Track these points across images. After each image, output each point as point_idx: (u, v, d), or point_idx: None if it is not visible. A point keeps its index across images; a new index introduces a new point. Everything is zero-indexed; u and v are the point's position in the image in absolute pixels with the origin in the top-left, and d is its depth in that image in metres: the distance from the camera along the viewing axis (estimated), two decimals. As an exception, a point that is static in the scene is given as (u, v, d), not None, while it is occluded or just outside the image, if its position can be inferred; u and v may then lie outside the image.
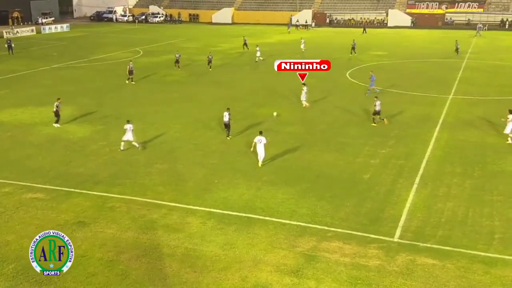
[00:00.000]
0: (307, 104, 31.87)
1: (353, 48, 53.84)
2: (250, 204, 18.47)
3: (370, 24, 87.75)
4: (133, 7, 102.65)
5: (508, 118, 25.13)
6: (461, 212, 17.92)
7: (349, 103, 33.37)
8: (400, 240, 16.02)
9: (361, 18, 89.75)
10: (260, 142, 21.88)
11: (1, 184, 20.19)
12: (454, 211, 17.99)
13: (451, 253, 15.26)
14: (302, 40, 56.17)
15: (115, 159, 23.19)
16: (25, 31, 73.63)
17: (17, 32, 71.52)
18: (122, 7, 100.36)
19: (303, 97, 31.96)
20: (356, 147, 24.70)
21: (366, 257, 15.09)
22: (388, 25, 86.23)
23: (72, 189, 19.71)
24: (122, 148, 24.06)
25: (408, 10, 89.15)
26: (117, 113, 30.86)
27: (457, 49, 53.58)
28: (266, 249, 15.43)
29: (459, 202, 18.73)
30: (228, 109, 26.06)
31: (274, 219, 17.33)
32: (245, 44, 56.84)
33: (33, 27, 76.73)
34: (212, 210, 18.04)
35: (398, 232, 16.49)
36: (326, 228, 16.76)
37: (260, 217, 17.51)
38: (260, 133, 22.35)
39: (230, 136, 25.87)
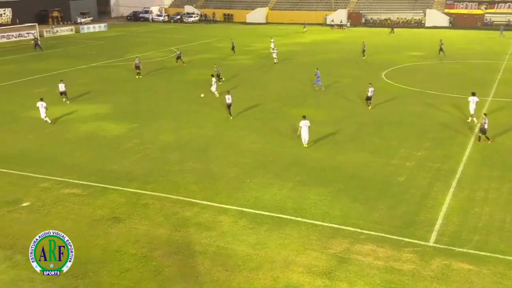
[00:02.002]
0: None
1: (363, 51, 52.41)
2: (282, 204, 18.41)
3: (407, 24, 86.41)
4: (169, 7, 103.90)
5: None
6: (498, 217, 17.43)
7: (384, 104, 32.91)
8: (435, 245, 15.70)
9: (397, 18, 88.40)
10: (305, 126, 23.95)
11: (40, 179, 20.73)
12: (491, 216, 17.51)
13: (487, 258, 14.86)
14: (274, 50, 50.38)
15: (149, 156, 23.50)
16: (64, 30, 75.41)
17: (57, 31, 73.31)
18: (158, 7, 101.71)
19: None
20: (391, 149, 24.32)
21: (400, 261, 14.84)
22: (426, 25, 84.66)
23: (108, 186, 20.07)
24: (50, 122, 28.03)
25: (446, 10, 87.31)
26: (151, 111, 31.29)
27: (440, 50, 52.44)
28: (298, 250, 15.34)
29: (496, 206, 18.22)
30: (228, 91, 29.74)
31: (306, 220, 17.22)
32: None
33: (72, 27, 78.53)
34: (243, 209, 18.06)
35: (433, 236, 16.17)
36: (359, 230, 16.55)
37: (292, 217, 17.43)
38: (304, 117, 24.05)
39: (231, 116, 29.23)
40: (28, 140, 25.92)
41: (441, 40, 54.11)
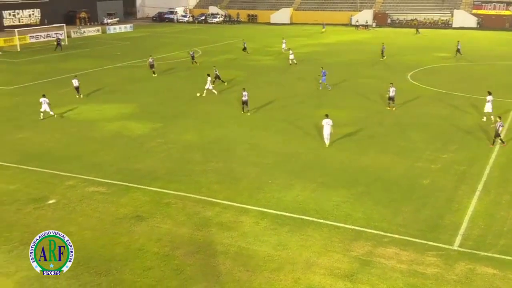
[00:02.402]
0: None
1: (382, 52, 51.62)
2: (304, 206, 18.34)
3: (434, 25, 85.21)
4: (194, 7, 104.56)
5: None
6: (526, 222, 17.06)
7: (409, 106, 32.52)
8: (459, 248, 15.46)
9: (424, 18, 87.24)
10: (327, 124, 24.19)
11: (66, 177, 21.09)
12: (518, 221, 17.15)
13: (514, 263, 14.57)
14: (290, 51, 49.34)
15: (172, 156, 23.69)
16: (91, 31, 76.53)
17: (84, 31, 74.44)
18: (183, 7, 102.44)
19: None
20: (416, 151, 24.01)
21: (424, 264, 14.65)
22: (453, 26, 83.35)
23: (131, 184, 20.30)
24: (42, 118, 29.28)
25: (474, 11, 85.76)
26: (175, 111, 31.55)
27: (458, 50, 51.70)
28: (319, 252, 15.27)
29: (524, 211, 17.83)
30: (244, 89, 30.67)
31: (328, 222, 17.12)
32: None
33: (99, 27, 79.64)
34: (265, 210, 18.05)
35: (458, 240, 15.93)
36: (382, 233, 16.38)
37: (314, 219, 17.35)
38: (326, 116, 24.36)
39: (249, 112, 30.41)
40: (55, 138, 26.39)
41: (458, 41, 53.30)
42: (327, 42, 66.64)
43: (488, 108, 28.40)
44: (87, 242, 15.91)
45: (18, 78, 42.28)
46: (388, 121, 29.17)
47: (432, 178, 20.92)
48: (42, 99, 29.73)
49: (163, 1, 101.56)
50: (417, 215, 17.69)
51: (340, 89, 37.95)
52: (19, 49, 58.58)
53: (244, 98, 30.35)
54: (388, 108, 31.30)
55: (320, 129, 25.23)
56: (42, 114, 29.60)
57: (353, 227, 16.80)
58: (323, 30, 79.08)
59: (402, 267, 14.49)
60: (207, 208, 18.20)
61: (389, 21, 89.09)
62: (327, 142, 24.52)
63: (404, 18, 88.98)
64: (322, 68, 38.17)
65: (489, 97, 28.49)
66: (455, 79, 41.22)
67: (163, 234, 16.42)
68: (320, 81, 37.49)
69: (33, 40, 65.54)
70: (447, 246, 15.58)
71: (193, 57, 48.68)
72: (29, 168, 22.12)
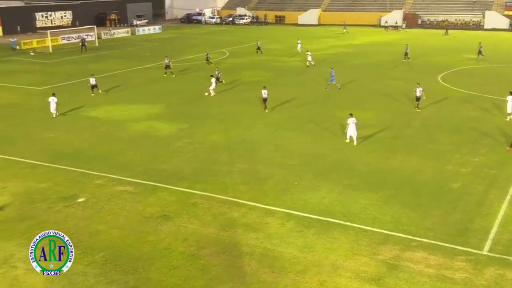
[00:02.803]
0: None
1: (406, 54, 50.69)
2: (331, 208, 18.20)
3: (465, 26, 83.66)
4: (221, 9, 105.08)
5: None
6: (561, 229, 16.56)
7: (439, 108, 31.99)
8: (489, 253, 15.13)
9: (455, 19, 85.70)
10: (352, 123, 24.50)
11: (95, 176, 21.42)
12: (553, 227, 16.66)
13: (547, 271, 14.16)
14: (308, 53, 48.63)
15: (198, 156, 23.82)
16: (121, 32, 77.65)
17: (114, 33, 75.59)
18: (211, 9, 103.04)
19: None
20: (446, 154, 23.59)
21: (452, 269, 14.37)
22: (484, 27, 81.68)
23: (158, 184, 20.48)
24: (54, 116, 30.38)
25: (506, 12, 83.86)
26: (201, 111, 31.73)
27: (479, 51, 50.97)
28: (346, 255, 15.12)
29: (559, 217, 17.32)
30: (264, 87, 31.69)
31: (355, 225, 16.95)
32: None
33: (128, 29, 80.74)
34: (291, 211, 17.98)
35: (487, 245, 15.59)
36: (410, 237, 16.14)
37: (341, 222, 17.20)
38: (351, 115, 24.73)
39: (267, 110, 31.22)
40: (84, 138, 26.84)
41: (480, 42, 52.21)
42: (355, 43, 66.11)
43: (509, 108, 28.53)
44: (115, 241, 16.12)
45: (50, 78, 43.19)
46: (417, 123, 28.74)
47: (462, 181, 20.52)
48: (51, 98, 30.68)
49: (191, 3, 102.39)
50: (446, 219, 17.37)
51: (367, 90, 37.60)
52: (51, 50, 59.83)
53: (264, 96, 31.26)
54: (417, 110, 31.04)
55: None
56: (55, 113, 30.69)
57: (380, 230, 16.58)
58: (345, 30, 78.51)
59: (430, 272, 14.25)
60: (233, 209, 18.23)
61: (419, 22, 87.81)
62: (355, 141, 24.82)
63: (434, 19, 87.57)
64: (332, 68, 38.46)
65: (509, 97, 28.58)
66: (486, 81, 40.37)
67: (189, 234, 16.51)
68: (329, 81, 37.69)
69: (64, 42, 66.85)
70: (476, 251, 15.26)
71: (207, 58, 48.90)
72: (59, 166, 22.54)
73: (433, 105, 32.61)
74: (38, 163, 23.02)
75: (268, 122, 29.36)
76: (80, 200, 19.14)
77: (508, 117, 28.66)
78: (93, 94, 36.38)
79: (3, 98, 36.19)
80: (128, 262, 14.83)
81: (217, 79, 37.71)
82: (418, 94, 30.99)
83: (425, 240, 15.96)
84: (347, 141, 25.15)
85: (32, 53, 57.75)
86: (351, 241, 15.90)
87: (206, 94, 36.06)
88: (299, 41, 58.69)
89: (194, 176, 21.32)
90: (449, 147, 24.55)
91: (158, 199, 19.10)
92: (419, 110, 31.03)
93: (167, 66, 43.97)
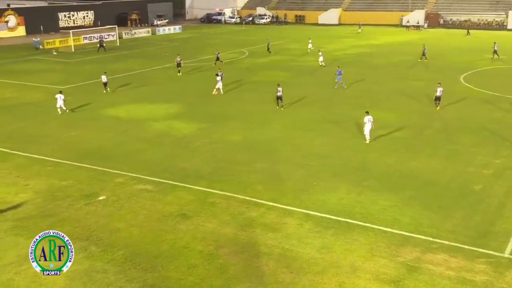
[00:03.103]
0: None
1: (423, 54, 49.99)
2: (350, 209, 18.09)
3: (488, 26, 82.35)
4: (241, 9, 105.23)
5: None
6: None
7: (461, 108, 31.56)
8: (510, 256, 14.95)
9: (478, 19, 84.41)
10: (369, 121, 24.84)
11: (116, 175, 21.64)
12: None
13: None
14: (320, 53, 48.32)
15: (217, 156, 23.89)
16: (142, 32, 78.29)
17: (135, 33, 76.26)
18: (231, 9, 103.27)
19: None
20: (468, 156, 23.26)
21: (473, 271, 14.18)
22: (508, 27, 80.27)
23: (177, 183, 20.61)
24: (60, 113, 31.25)
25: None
26: (220, 111, 31.81)
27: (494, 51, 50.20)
28: (365, 256, 15.01)
29: None
30: (278, 84, 32.18)
31: (374, 226, 16.81)
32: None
33: (149, 29, 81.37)
34: (309, 212, 17.92)
35: (509, 248, 15.36)
36: (431, 239, 15.95)
37: (360, 223, 17.08)
38: (367, 112, 25.08)
39: (283, 107, 31.65)
40: (106, 137, 27.13)
41: (494, 42, 51.55)
42: (376, 43, 65.60)
43: None
44: (134, 239, 16.27)
45: (72, 77, 43.79)
46: (438, 124, 28.39)
47: (484, 183, 20.21)
48: (58, 95, 31.60)
49: (211, 3, 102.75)
50: (468, 221, 17.14)
51: (388, 90, 37.27)
52: (73, 50, 60.65)
53: (279, 94, 31.68)
54: (437, 109, 30.83)
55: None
56: (59, 109, 31.41)
57: (400, 232, 16.43)
58: (360, 30, 77.93)
59: (451, 274, 14.07)
60: (251, 209, 18.25)
61: (441, 21, 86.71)
62: (368, 138, 24.99)
63: (457, 19, 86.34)
64: (338, 67, 38.72)
65: None
66: (509, 82, 39.64)
67: (207, 233, 16.58)
68: (336, 80, 37.83)
69: (86, 41, 67.66)
70: (497, 254, 15.04)
71: (217, 58, 48.89)
72: (81, 165, 22.83)
73: (455, 105, 32.18)
74: (61, 161, 23.35)
75: (287, 122, 29.31)
76: (101, 198, 19.36)
77: None
78: (104, 91, 37.37)
79: (27, 97, 36.81)
80: (147, 260, 14.96)
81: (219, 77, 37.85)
82: (438, 94, 30.75)
83: (445, 242, 15.76)
84: (367, 142, 25.11)
85: (54, 53, 58.62)
86: (370, 243, 15.78)
87: (214, 92, 36.44)
88: (310, 40, 58.69)
89: (213, 176, 21.39)
90: (470, 149, 24.21)
91: (177, 198, 19.22)
92: (438, 109, 30.83)
93: (179, 64, 44.67)
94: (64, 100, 31.53)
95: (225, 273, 14.31)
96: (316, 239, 16.03)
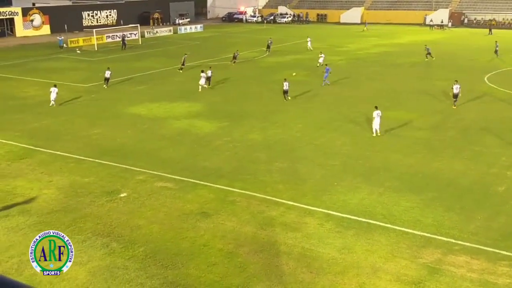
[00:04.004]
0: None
1: (429, 53, 49.71)
2: (371, 210, 17.93)
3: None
4: (263, 7, 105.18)
5: None
6: None
7: (485, 109, 31.03)
8: (536, 261, 14.58)
9: (503, 19, 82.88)
10: (377, 116, 25.66)
11: (137, 172, 21.83)
12: None
13: None
14: (321, 55, 46.65)
15: (238, 155, 23.92)
16: (164, 31, 78.78)
17: (157, 32, 76.78)
18: (252, 8, 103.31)
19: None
20: (492, 157, 22.87)
21: (496, 274, 13.94)
22: (534, 25, 78.71)
23: (198, 181, 20.69)
24: (51, 105, 32.75)
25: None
26: (241, 110, 31.84)
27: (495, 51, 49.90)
28: (386, 257, 14.87)
29: None
30: (285, 79, 34.19)
31: (396, 227, 16.64)
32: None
33: (171, 28, 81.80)
34: (330, 212, 17.82)
35: (534, 251, 15.03)
36: (453, 241, 15.73)
37: (381, 223, 16.92)
38: (376, 107, 26.08)
39: (289, 98, 33.64)
40: (127, 135, 27.39)
41: (496, 41, 50.97)
42: (399, 42, 64.94)
43: None
44: (154, 236, 16.39)
45: (95, 76, 44.26)
46: (461, 124, 27.97)
47: (508, 185, 19.85)
48: (52, 88, 33.14)
49: (233, 1, 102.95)
50: (490, 223, 16.85)
51: (411, 90, 36.83)
52: (96, 48, 61.35)
53: (285, 88, 33.56)
54: (453, 107, 31.02)
55: (388, 133, 24.59)
56: (52, 102, 32.98)
57: (422, 233, 16.23)
58: (365, 28, 77.13)
59: (473, 276, 13.86)
60: (271, 208, 18.22)
61: (465, 21, 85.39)
62: (378, 131, 25.88)
63: (482, 18, 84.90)
64: (327, 65, 39.79)
65: None
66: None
67: (227, 231, 16.61)
68: (324, 77, 38.56)
69: (109, 40, 68.36)
70: (522, 257, 14.75)
71: (234, 57, 49.21)
72: (103, 162, 23.08)
73: (478, 106, 31.66)
74: (83, 158, 23.65)
75: (308, 121, 29.20)
76: (122, 195, 19.55)
77: None
78: (105, 86, 38.62)
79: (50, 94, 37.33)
80: (167, 258, 15.05)
81: (208, 78, 38.04)
82: (455, 91, 30.69)
83: (468, 244, 15.53)
84: (374, 134, 25.89)
85: (78, 51, 59.37)
86: (391, 243, 15.63)
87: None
88: (309, 39, 58.31)
89: (233, 174, 21.42)
90: (494, 150, 23.79)
91: (197, 196, 19.30)
92: (455, 107, 30.82)
93: (183, 63, 45.76)
94: (57, 94, 32.92)
95: (245, 272, 14.32)
96: (336, 239, 15.94)
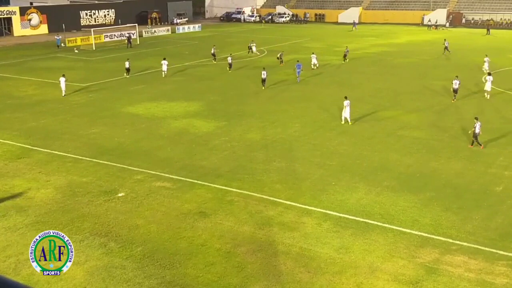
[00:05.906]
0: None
1: (446, 48, 51.15)
2: (369, 209, 17.95)
3: (510, 25, 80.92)
4: (261, 7, 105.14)
5: None
6: None
7: (483, 109, 31.05)
8: (534, 260, 14.62)
9: (501, 19, 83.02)
10: (347, 105, 27.34)
11: (135, 171, 21.82)
12: None
13: None
14: (314, 55, 46.32)
15: (236, 154, 23.91)
16: (162, 30, 78.70)
17: (155, 31, 76.71)
18: (250, 7, 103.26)
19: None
20: (489, 157, 22.90)
21: (493, 274, 13.97)
22: (532, 25, 78.84)
23: (196, 181, 20.69)
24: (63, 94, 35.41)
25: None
26: (239, 109, 31.84)
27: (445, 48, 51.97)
28: (384, 257, 14.89)
29: None
30: (264, 68, 37.56)
31: (393, 227, 16.67)
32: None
33: (169, 27, 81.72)
34: (328, 212, 17.83)
35: (531, 251, 15.06)
36: (450, 240, 15.76)
37: (379, 223, 16.94)
38: (345, 97, 27.84)
39: (264, 87, 36.70)
40: (125, 134, 27.37)
41: (445, 39, 53.50)
42: (397, 42, 65.01)
43: None
44: (152, 235, 16.38)
45: (93, 75, 44.26)
46: (459, 125, 27.99)
47: (506, 185, 19.89)
48: (61, 78, 35.75)
49: (231, 1, 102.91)
50: (488, 223, 16.88)
51: (410, 90, 36.87)
52: (94, 48, 61.27)
53: (263, 77, 36.44)
54: (452, 101, 31.93)
55: (390, 133, 24.61)
56: (64, 92, 35.79)
57: (420, 233, 16.26)
58: (354, 29, 77.18)
59: (470, 276, 13.88)
60: (269, 208, 18.23)
61: (463, 21, 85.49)
62: (349, 120, 27.50)
63: (479, 18, 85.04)
64: (298, 61, 41.20)
65: None
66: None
67: (225, 231, 16.61)
68: (296, 74, 39.73)
69: (107, 40, 68.30)
70: (520, 257, 14.79)
71: (251, 49, 51.39)
72: (100, 161, 23.06)
73: (477, 105, 31.70)
74: (81, 157, 23.62)
75: (306, 121, 29.21)
76: (120, 194, 19.53)
77: None
78: (127, 76, 41.78)
79: (48, 94, 37.31)
80: (165, 257, 15.05)
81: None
82: (455, 86, 31.51)
83: (465, 244, 15.56)
84: (343, 122, 27.70)
85: (76, 51, 59.28)
86: (389, 243, 15.65)
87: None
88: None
89: (231, 174, 21.42)
90: (492, 150, 23.83)
91: (195, 196, 19.29)
92: (453, 101, 31.98)
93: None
94: (66, 84, 35.32)
95: (243, 272, 14.32)
96: (334, 239, 15.95)
